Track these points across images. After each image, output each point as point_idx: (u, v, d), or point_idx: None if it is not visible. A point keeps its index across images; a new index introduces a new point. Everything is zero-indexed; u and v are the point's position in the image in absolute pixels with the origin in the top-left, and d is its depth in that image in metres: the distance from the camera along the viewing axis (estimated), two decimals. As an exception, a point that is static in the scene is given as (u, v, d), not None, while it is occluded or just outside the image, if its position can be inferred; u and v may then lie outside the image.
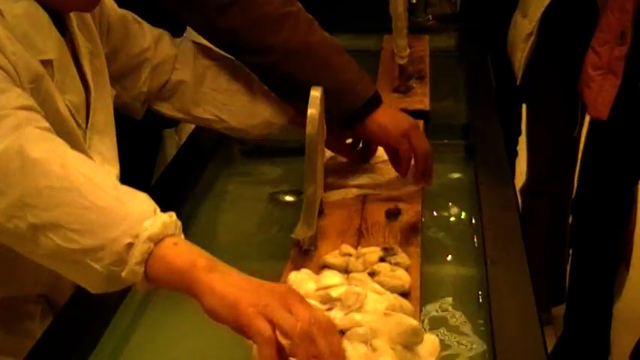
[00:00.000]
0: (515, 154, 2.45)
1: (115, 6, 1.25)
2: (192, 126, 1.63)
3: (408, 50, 1.87)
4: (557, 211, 2.30)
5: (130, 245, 0.82)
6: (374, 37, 2.23)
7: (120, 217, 0.83)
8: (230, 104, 1.34)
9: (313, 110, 1.11)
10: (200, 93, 1.34)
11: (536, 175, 2.30)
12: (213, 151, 1.60)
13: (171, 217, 0.85)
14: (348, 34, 2.25)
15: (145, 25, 1.30)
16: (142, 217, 0.83)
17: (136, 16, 1.29)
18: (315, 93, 1.13)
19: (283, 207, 1.42)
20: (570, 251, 2.27)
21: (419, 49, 2.09)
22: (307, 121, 1.11)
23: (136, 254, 0.82)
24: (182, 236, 0.85)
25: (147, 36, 1.29)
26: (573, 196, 2.22)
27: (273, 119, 1.37)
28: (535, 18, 2.04)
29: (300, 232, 1.16)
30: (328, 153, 1.42)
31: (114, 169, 1.14)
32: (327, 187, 1.34)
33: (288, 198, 1.45)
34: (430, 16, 2.42)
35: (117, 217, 0.83)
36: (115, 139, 1.17)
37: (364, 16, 2.37)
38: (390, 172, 1.39)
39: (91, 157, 1.06)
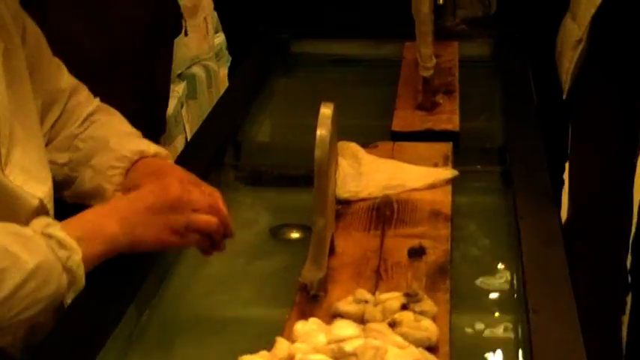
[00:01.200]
0: (561, 182, 2.46)
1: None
2: (180, 147, 1.66)
3: (434, 60, 1.89)
4: (608, 252, 2.28)
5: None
6: (393, 43, 2.26)
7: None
8: None
9: (323, 131, 1.13)
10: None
11: (582, 208, 2.28)
12: (204, 176, 1.62)
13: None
14: (361, 39, 2.28)
15: (65, 69, 1.37)
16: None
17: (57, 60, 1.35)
18: (326, 110, 1.14)
19: (287, 244, 1.44)
20: (629, 299, 2.26)
21: (446, 59, 2.11)
22: (316, 143, 1.12)
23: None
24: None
25: (65, 77, 1.36)
26: (633, 231, 2.21)
27: None
28: (585, 21, 2.06)
29: (308, 274, 1.17)
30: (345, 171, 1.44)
31: (42, 186, 1.18)
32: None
33: (293, 234, 1.46)
34: (460, 20, 2.44)
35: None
36: (43, 149, 1.21)
37: (381, 18, 2.40)
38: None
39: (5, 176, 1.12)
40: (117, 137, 1.36)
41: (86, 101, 1.40)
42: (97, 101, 1.42)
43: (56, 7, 1.58)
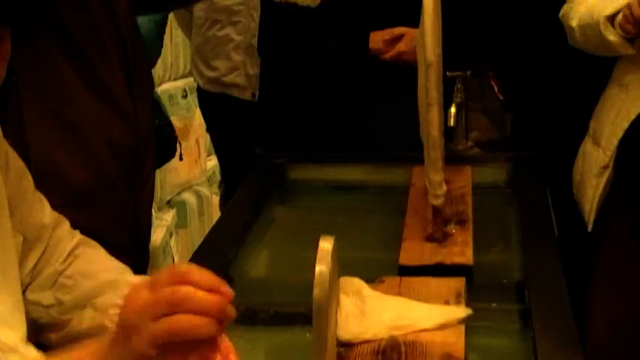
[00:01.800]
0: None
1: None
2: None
3: (445, 187, 1.89)
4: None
5: None
6: (400, 169, 2.28)
7: None
8: None
9: (322, 267, 1.12)
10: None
11: (602, 352, 2.25)
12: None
13: None
14: (365, 164, 2.30)
15: (47, 203, 1.38)
16: None
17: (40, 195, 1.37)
18: (326, 245, 1.14)
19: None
20: None
21: (458, 185, 2.12)
22: (315, 281, 1.12)
23: None
24: None
25: (47, 211, 1.37)
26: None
27: None
28: (611, 146, 2.08)
29: None
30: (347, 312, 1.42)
31: (15, 332, 1.17)
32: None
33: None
34: (473, 143, 2.47)
35: None
36: (18, 291, 1.21)
37: (387, 142, 2.43)
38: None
39: None
40: (108, 273, 1.37)
41: (68, 235, 1.41)
42: (78, 234, 1.43)
43: (35, 130, 1.60)
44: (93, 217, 1.63)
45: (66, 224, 1.42)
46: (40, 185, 1.39)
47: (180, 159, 2.33)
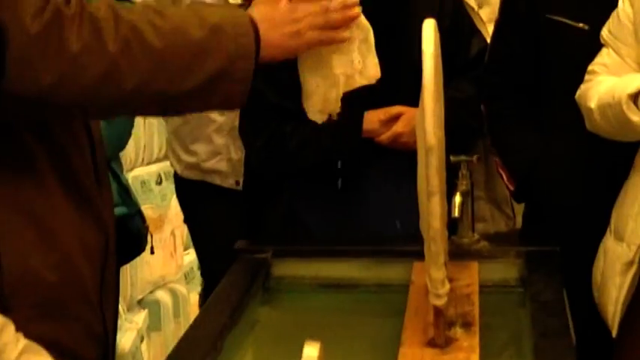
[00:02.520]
0: None
1: None
2: None
3: (448, 285, 1.88)
4: None
5: None
6: (398, 264, 2.27)
7: None
8: None
9: (307, 377, 1.11)
10: None
11: None
12: None
13: None
14: (359, 259, 2.29)
15: None
16: None
17: None
18: (311, 351, 1.13)
19: None
20: None
21: (464, 283, 2.11)
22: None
23: None
24: None
25: None
26: None
27: None
28: (636, 240, 2.08)
29: None
30: None
31: None
32: None
33: None
34: (480, 236, 2.46)
35: None
36: None
37: (383, 234, 2.42)
38: None
39: None
40: None
41: (14, 339, 1.40)
42: (22, 338, 1.43)
43: (8, 227, 1.60)
44: (61, 328, 1.64)
45: (11, 328, 1.41)
46: (12, 290, 1.41)
47: (152, 252, 2.32)
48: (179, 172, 3.16)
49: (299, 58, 1.76)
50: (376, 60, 1.79)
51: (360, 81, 1.79)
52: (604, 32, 2.21)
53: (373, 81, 1.79)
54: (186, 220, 3.32)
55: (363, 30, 1.78)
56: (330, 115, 1.81)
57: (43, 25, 1.47)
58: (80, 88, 1.51)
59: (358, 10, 1.73)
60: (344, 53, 1.76)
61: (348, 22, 1.73)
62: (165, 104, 1.64)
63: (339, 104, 1.79)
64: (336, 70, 1.76)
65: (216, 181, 3.06)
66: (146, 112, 1.86)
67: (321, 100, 1.78)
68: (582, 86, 2.21)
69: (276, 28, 1.66)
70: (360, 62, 1.78)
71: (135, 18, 1.54)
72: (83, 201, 1.69)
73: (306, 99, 1.79)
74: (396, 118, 2.42)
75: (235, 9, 1.71)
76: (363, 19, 1.77)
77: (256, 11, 1.68)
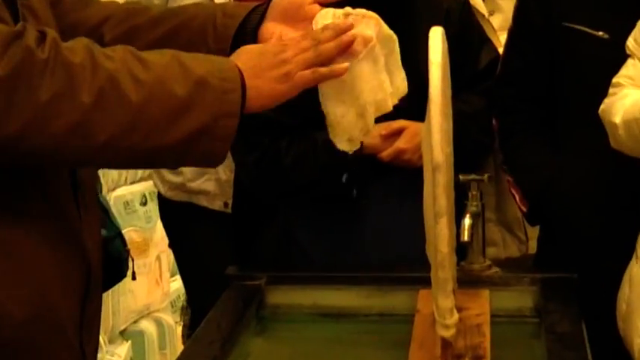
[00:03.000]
0: None
1: None
2: None
3: (457, 315, 1.88)
4: None
5: None
6: (402, 292, 2.27)
7: None
8: None
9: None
10: None
11: None
12: None
13: None
14: (360, 287, 2.29)
15: None
16: None
17: None
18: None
19: None
20: None
21: (474, 313, 2.10)
22: None
23: None
24: None
25: None
26: None
27: None
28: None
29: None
30: None
31: None
32: None
33: None
34: (491, 262, 2.46)
35: None
36: None
37: (387, 258, 2.42)
38: None
39: None
40: None
41: None
42: None
43: None
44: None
45: None
46: None
47: (134, 278, 2.31)
48: (163, 192, 3.15)
49: (319, 86, 1.71)
50: (403, 73, 1.76)
51: (392, 102, 1.74)
52: (629, 42, 2.20)
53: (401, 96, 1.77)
54: (171, 245, 3.31)
55: (388, 43, 1.73)
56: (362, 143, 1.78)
57: (10, 67, 1.45)
58: (47, 139, 1.49)
59: (354, 33, 1.68)
60: (371, 75, 1.70)
61: (343, 51, 1.67)
62: (138, 160, 1.63)
63: (372, 131, 1.76)
64: (364, 98, 1.70)
65: (203, 202, 3.04)
66: (118, 166, 1.85)
67: (348, 130, 1.73)
68: (606, 100, 2.21)
69: (262, 74, 1.63)
70: (389, 83, 1.73)
71: (114, 66, 1.53)
72: (61, 227, 1.66)
73: (331, 129, 1.74)
74: (398, 132, 2.41)
75: (222, 59, 1.66)
76: (385, 28, 1.73)
77: (240, 57, 1.66)
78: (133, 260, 2.18)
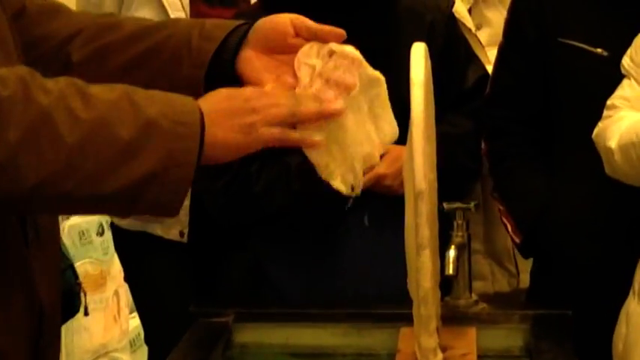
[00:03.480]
0: None
1: None
2: None
3: (441, 355, 1.89)
4: None
5: None
6: (382, 330, 2.25)
7: None
8: None
9: None
10: None
11: None
12: None
13: None
14: (335, 324, 2.28)
15: None
16: None
17: None
18: None
19: None
20: None
21: (459, 353, 2.10)
22: None
23: None
24: None
25: None
26: None
27: None
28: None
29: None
30: None
31: None
32: None
33: None
34: (478, 297, 2.45)
35: None
36: None
37: (365, 294, 2.43)
38: None
39: None
40: None
41: None
42: None
43: None
44: None
45: None
46: None
47: (86, 314, 2.29)
48: (116, 221, 3.12)
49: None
50: (391, 114, 1.72)
51: (379, 153, 1.72)
52: (625, 61, 2.21)
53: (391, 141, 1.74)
54: (127, 278, 3.28)
55: (373, 85, 1.69)
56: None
57: None
58: None
59: (340, 105, 1.62)
60: (355, 127, 1.67)
61: (320, 119, 1.61)
62: (77, 208, 1.58)
63: (362, 178, 1.72)
64: (350, 152, 1.67)
65: (158, 231, 3.01)
66: (54, 213, 1.77)
67: (337, 176, 1.69)
68: (600, 123, 2.21)
69: (223, 121, 1.54)
70: (375, 134, 1.70)
71: (48, 101, 1.45)
72: (4, 264, 1.64)
73: (320, 173, 1.70)
74: None
75: (184, 99, 1.55)
76: (369, 70, 1.68)
77: (208, 98, 1.58)
78: (85, 294, 2.16)
